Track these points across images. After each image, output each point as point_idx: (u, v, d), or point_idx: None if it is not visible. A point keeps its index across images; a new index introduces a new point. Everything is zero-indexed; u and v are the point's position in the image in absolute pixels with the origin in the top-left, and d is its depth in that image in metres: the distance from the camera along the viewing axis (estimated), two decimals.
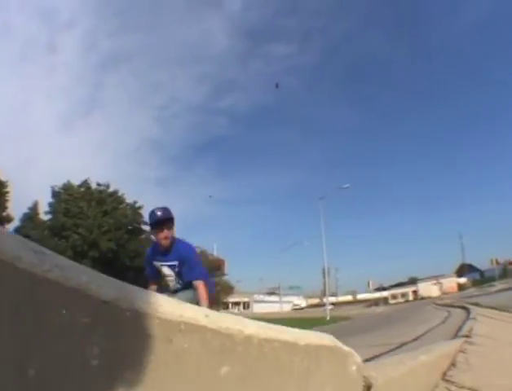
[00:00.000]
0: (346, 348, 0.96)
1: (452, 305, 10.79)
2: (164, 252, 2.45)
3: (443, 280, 39.33)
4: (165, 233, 2.36)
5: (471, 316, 5.30)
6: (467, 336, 2.87)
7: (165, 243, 2.39)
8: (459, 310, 8.07)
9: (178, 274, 2.44)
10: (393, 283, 48.67)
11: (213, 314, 0.60)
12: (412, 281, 44.38)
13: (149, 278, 2.61)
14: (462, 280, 42.44)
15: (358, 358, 0.99)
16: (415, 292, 40.05)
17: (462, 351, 2.27)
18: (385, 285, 48.13)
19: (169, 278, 2.50)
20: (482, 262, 46.12)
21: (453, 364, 1.91)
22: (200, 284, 2.34)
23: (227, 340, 0.57)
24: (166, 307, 0.53)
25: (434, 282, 39.09)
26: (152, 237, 2.92)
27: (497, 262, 42.85)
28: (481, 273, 45.87)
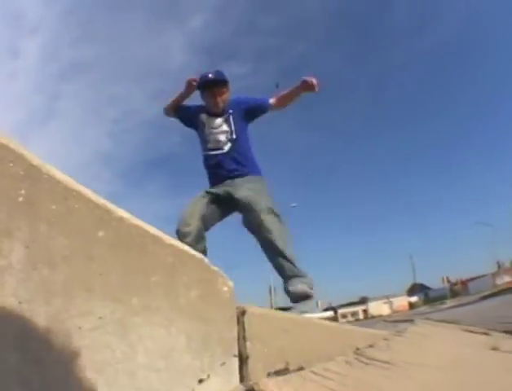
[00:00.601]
0: (216, 267, 1.02)
1: (400, 320, 11.78)
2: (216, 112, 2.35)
3: (393, 299, 43.44)
4: (220, 93, 2.28)
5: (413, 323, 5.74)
6: (399, 332, 3.06)
7: (221, 101, 2.30)
8: (406, 323, 8.84)
9: (232, 125, 2.34)
10: (344, 302, 52.15)
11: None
12: (363, 300, 48.01)
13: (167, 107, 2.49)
14: (414, 299, 47.40)
15: (230, 283, 1.03)
16: (365, 311, 43.28)
17: (386, 339, 2.32)
18: (334, 305, 51.37)
19: (217, 131, 2.33)
20: (433, 281, 51.67)
21: (372, 346, 1.92)
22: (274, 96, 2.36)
23: (105, 213, 0.78)
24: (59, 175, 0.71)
25: (385, 301, 42.99)
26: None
27: (448, 281, 48.85)
28: (425, 293, 51.77)
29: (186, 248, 0.96)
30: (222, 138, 2.30)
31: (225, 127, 2.33)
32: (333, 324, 1.89)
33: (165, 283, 0.85)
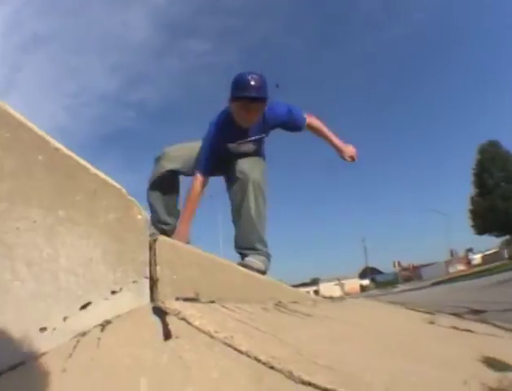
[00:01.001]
0: (132, 198, 1.24)
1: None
2: (243, 130, 2.36)
3: (345, 281, 46.74)
4: (256, 110, 2.26)
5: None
6: (333, 300, 3.55)
7: (254, 119, 2.30)
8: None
9: (262, 144, 2.50)
10: (295, 283, 55.01)
11: None
12: (314, 282, 51.32)
13: (202, 172, 2.38)
14: (365, 282, 51.32)
15: (144, 213, 1.26)
16: (316, 292, 46.19)
17: (315, 300, 2.84)
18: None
19: (243, 148, 2.43)
20: (386, 266, 55.97)
21: (296, 302, 2.36)
22: (312, 119, 2.47)
23: (45, 143, 1.05)
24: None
25: (336, 282, 46.19)
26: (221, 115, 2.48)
27: (400, 265, 53.22)
28: (376, 276, 56.35)
29: (108, 178, 1.18)
30: (249, 150, 2.46)
31: (255, 146, 2.47)
32: (256, 274, 2.20)
33: (88, 204, 1.10)
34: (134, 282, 1.15)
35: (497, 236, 38.58)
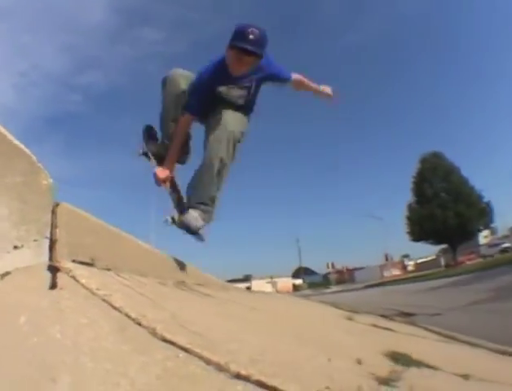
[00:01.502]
0: (41, 164, 1.36)
1: None
2: (235, 77, 2.56)
3: (278, 279, 48.83)
4: (249, 63, 2.46)
5: None
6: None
7: (245, 70, 2.52)
8: None
9: (250, 94, 2.66)
10: (227, 279, 56.27)
11: None
12: (247, 278, 52.94)
13: (191, 111, 2.60)
14: (298, 281, 53.99)
15: (50, 180, 1.39)
16: (248, 289, 47.72)
17: (226, 288, 2.99)
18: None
19: (235, 94, 2.61)
20: (320, 267, 59.51)
21: (201, 285, 2.49)
22: (297, 75, 2.85)
23: None
24: None
25: (269, 280, 48.06)
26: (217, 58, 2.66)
27: (333, 267, 56.80)
28: (309, 276, 59.84)
29: (20, 144, 1.29)
30: (238, 98, 2.63)
31: (244, 92, 2.63)
32: (159, 252, 2.41)
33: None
34: (34, 240, 1.27)
35: (433, 244, 41.46)
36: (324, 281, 59.86)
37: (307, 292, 39.26)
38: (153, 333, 1.02)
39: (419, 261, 60.97)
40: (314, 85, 2.96)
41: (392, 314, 6.62)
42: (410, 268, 61.94)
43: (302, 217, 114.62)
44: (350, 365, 1.30)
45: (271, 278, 51.50)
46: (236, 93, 2.61)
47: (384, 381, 1.31)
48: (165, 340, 1.00)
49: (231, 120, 2.48)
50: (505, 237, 50.12)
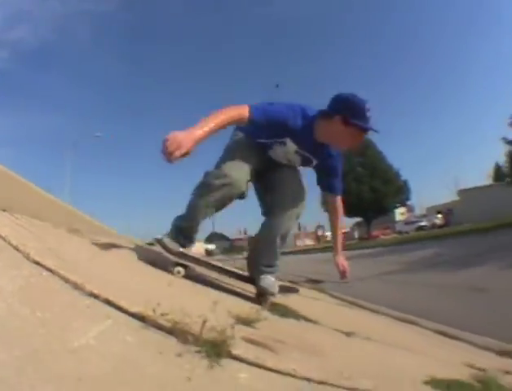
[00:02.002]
0: None
1: None
2: (311, 142, 2.41)
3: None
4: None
5: None
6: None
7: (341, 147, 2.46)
8: None
9: (301, 164, 2.57)
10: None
11: None
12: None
13: (254, 116, 2.20)
14: (211, 246, 55.17)
15: None
16: None
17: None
18: None
19: (290, 158, 2.53)
20: (233, 232, 61.57)
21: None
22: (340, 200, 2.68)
23: None
24: None
25: None
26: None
27: (246, 233, 59.08)
28: (218, 243, 61.87)
29: None
30: (286, 162, 2.58)
31: (300, 161, 2.55)
32: (65, 205, 2.59)
33: None
34: None
35: (348, 217, 42.40)
36: (230, 247, 63.52)
37: (220, 257, 39.45)
38: (27, 256, 1.27)
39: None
40: (339, 238, 2.87)
41: (301, 281, 7.35)
42: (324, 239, 64.31)
43: None
44: (209, 304, 1.48)
45: None
46: (296, 158, 2.53)
47: (243, 321, 1.52)
48: (35, 262, 1.24)
49: (300, 197, 2.53)
50: (423, 216, 53.01)
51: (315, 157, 2.51)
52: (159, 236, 2.38)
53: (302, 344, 1.58)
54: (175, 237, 2.37)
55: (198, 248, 52.40)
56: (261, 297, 2.46)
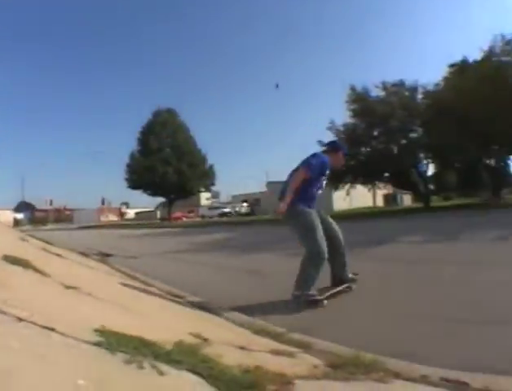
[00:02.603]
0: None
1: None
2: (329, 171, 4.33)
3: (1, 212, 51.78)
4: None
5: None
6: None
7: (337, 166, 4.58)
8: None
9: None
10: None
11: None
12: None
13: (310, 174, 4.14)
14: (19, 216, 61.09)
15: None
16: None
17: None
18: None
19: (318, 192, 4.29)
20: (41, 203, 63.76)
21: None
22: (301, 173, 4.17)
23: None
24: None
25: None
26: (324, 158, 4.31)
27: (51, 204, 64.22)
28: (26, 213, 65.18)
29: None
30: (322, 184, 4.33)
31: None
32: None
33: None
34: None
35: (151, 195, 43.42)
36: (32, 217, 64.37)
37: (27, 227, 41.60)
38: None
39: (137, 210, 68.27)
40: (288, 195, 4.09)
41: (92, 253, 8.69)
42: (129, 216, 69.94)
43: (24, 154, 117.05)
44: None
45: None
46: (323, 183, 4.34)
47: None
48: None
49: (338, 231, 4.30)
50: (228, 203, 55.90)
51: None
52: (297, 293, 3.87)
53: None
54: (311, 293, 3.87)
55: (7, 217, 51.00)
56: (352, 283, 4.30)
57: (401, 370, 2.09)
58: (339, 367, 2.08)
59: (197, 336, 2.21)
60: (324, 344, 2.60)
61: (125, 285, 4.41)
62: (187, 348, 1.83)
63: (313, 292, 3.85)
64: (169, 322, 2.84)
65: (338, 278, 4.23)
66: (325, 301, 3.83)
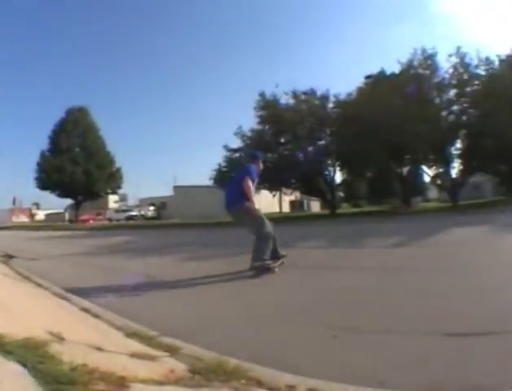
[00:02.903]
0: None
1: None
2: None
3: None
4: None
5: None
6: None
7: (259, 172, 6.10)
8: None
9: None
10: None
11: None
12: None
13: (252, 182, 5.68)
14: None
15: None
16: None
17: None
18: None
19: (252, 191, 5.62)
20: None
21: None
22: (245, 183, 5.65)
23: None
24: None
25: None
26: (254, 167, 5.89)
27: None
28: None
29: None
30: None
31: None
32: None
33: None
34: None
35: (60, 196, 43.20)
36: None
37: None
38: None
39: (47, 212, 66.15)
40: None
41: None
42: (40, 217, 66.89)
43: None
44: None
45: None
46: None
47: None
48: None
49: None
50: (136, 206, 55.16)
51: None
52: (256, 264, 5.28)
53: None
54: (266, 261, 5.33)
55: None
56: (283, 258, 5.82)
57: (265, 378, 2.00)
58: (199, 373, 2.02)
59: (55, 334, 2.32)
60: (193, 349, 2.56)
61: (13, 285, 4.73)
62: (33, 344, 1.94)
63: (269, 261, 5.35)
64: (37, 321, 2.92)
65: (277, 254, 5.73)
66: (276, 269, 5.41)
